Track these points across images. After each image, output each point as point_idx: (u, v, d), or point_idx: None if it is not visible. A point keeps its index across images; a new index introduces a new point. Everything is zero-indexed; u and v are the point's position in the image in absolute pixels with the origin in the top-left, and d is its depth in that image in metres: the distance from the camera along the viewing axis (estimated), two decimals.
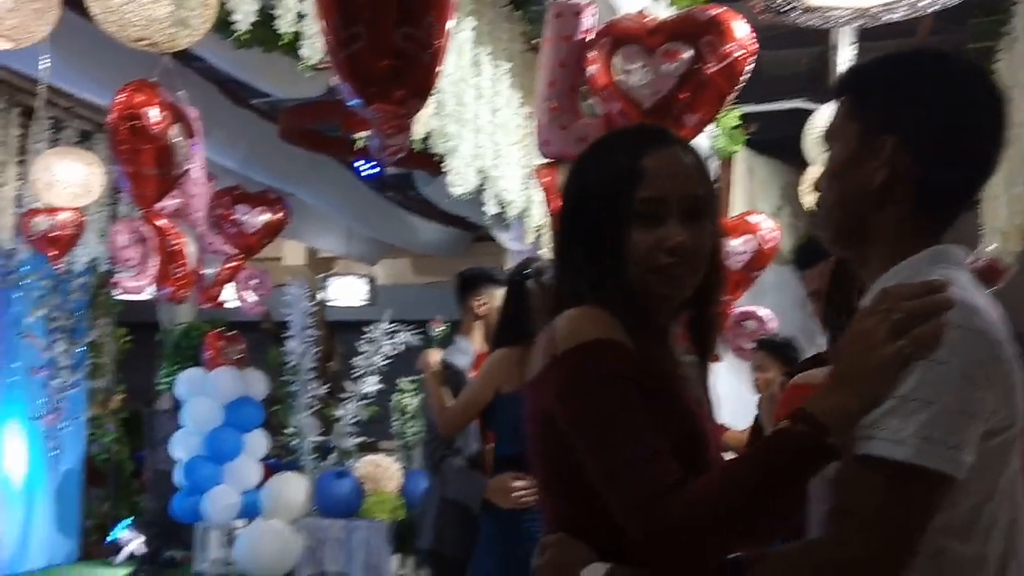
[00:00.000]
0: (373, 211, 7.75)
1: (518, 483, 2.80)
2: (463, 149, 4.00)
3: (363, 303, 8.63)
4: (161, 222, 4.11)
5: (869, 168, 1.17)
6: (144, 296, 7.94)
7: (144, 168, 3.96)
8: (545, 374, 1.25)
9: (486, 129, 4.18)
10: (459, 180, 4.09)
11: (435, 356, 3.41)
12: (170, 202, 4.08)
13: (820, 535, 1.13)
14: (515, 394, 2.80)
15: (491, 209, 4.69)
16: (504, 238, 7.19)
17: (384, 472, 6.66)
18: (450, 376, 3.28)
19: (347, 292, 8.55)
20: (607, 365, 1.20)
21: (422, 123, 3.69)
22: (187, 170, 3.99)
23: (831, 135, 1.24)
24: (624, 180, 1.26)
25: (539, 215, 5.14)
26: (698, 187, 1.29)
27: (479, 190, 4.48)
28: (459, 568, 3.02)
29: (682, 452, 1.16)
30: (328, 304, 8.31)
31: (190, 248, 4.20)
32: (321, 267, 9.41)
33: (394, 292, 8.85)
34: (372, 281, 8.69)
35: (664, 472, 1.12)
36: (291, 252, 9.48)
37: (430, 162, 5.24)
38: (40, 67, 4.05)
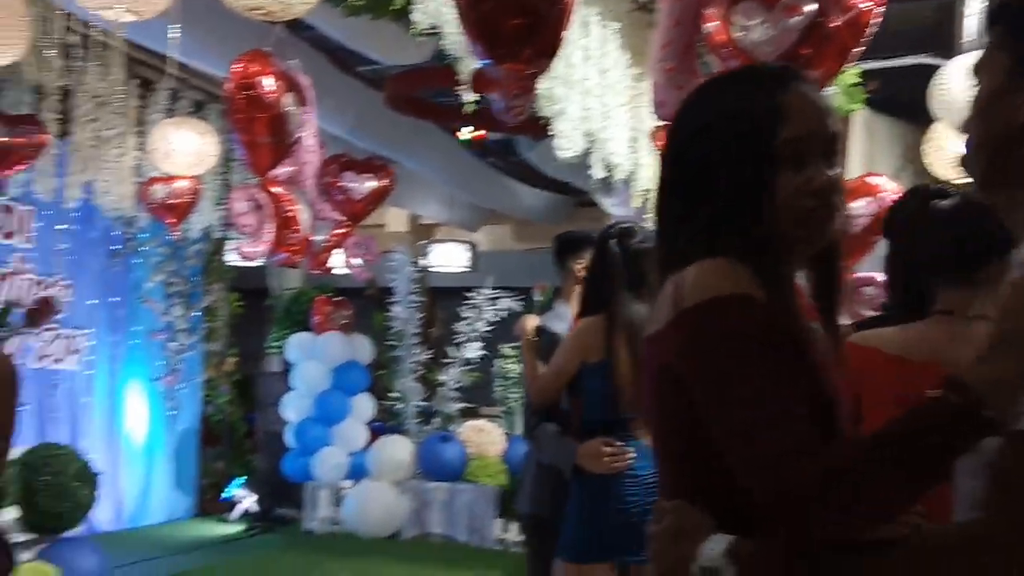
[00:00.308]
0: (475, 177, 7.76)
1: (608, 448, 2.82)
2: (571, 111, 3.95)
3: (464, 269, 8.68)
4: (276, 189, 4.18)
5: (1015, 102, 1.08)
6: (255, 262, 8.19)
7: (259, 137, 4.04)
8: (668, 330, 1.17)
9: (594, 91, 4.12)
10: (566, 143, 4.04)
11: (531, 323, 3.43)
12: (284, 169, 4.15)
13: (972, 516, 1.04)
14: (600, 363, 2.83)
15: (597, 173, 4.62)
16: (607, 203, 7.10)
17: (487, 437, 6.73)
18: (546, 342, 3.27)
19: (448, 258, 8.61)
20: (736, 321, 1.12)
21: None
22: (300, 138, 4.05)
23: (979, 68, 1.15)
24: (763, 120, 1.18)
25: (646, 179, 5.04)
26: (835, 125, 1.22)
27: (586, 153, 4.42)
28: (555, 531, 3.04)
29: (813, 414, 1.09)
30: (430, 270, 8.38)
31: (303, 214, 4.27)
32: (423, 234, 9.49)
33: (495, 258, 8.88)
34: (473, 247, 8.73)
35: (796, 433, 1.05)
36: (394, 219, 9.59)
37: (533, 126, 5.20)
38: (169, 38, 4.15)
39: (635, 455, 2.82)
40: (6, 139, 5.08)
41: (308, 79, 4.18)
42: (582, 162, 5.12)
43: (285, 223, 4.13)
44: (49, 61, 5.52)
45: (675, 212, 1.25)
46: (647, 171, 5.08)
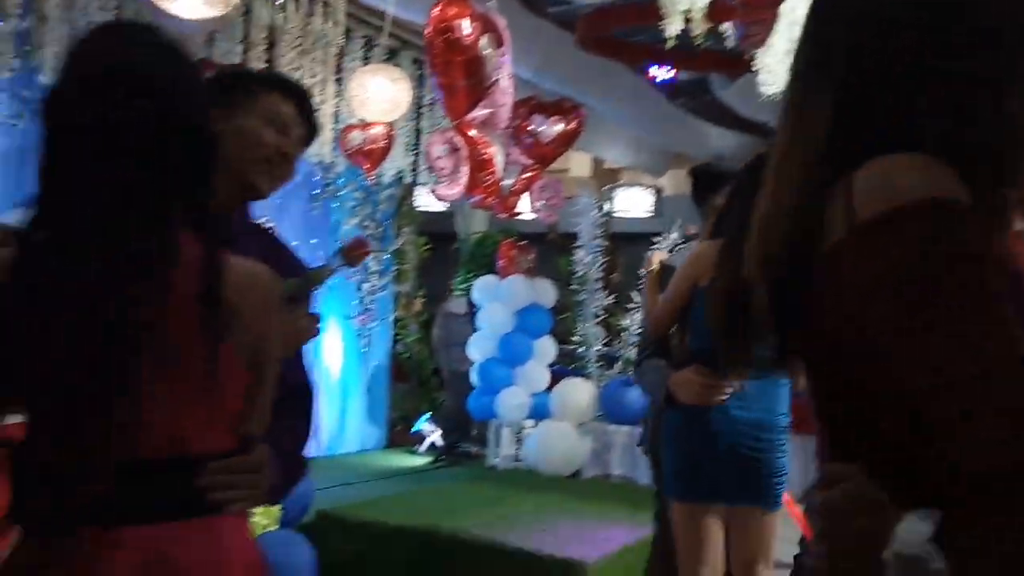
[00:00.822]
0: (664, 118, 7.60)
1: (700, 378, 2.64)
2: (777, 45, 3.76)
3: (647, 214, 8.57)
4: (472, 132, 4.24)
5: None
6: (443, 207, 8.39)
7: (457, 80, 4.11)
8: (842, 248, 0.89)
9: (801, 23, 3.92)
10: (770, 79, 3.86)
11: (656, 257, 3.34)
12: (479, 112, 4.20)
13: None
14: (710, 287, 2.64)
15: None
16: None
17: None
18: (667, 277, 3.14)
19: (632, 203, 8.52)
20: (943, 236, 0.84)
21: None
22: (495, 80, 4.08)
23: None
24: None
25: None
26: None
27: None
28: None
29: None
30: (613, 215, 8.32)
31: (497, 157, 4.31)
32: (606, 178, 9.43)
33: (680, 203, 8.70)
34: (658, 192, 8.59)
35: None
36: (577, 163, 9.58)
37: (731, 63, 5.01)
38: None
39: (731, 390, 2.64)
40: None
41: (503, 20, 4.19)
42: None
43: (480, 166, 4.19)
44: (259, 11, 5.82)
45: (848, 92, 0.95)
46: None
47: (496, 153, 4.36)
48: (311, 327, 1.72)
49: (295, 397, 1.60)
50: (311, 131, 1.76)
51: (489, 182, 4.25)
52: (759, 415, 2.72)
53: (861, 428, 0.93)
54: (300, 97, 1.75)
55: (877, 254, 0.86)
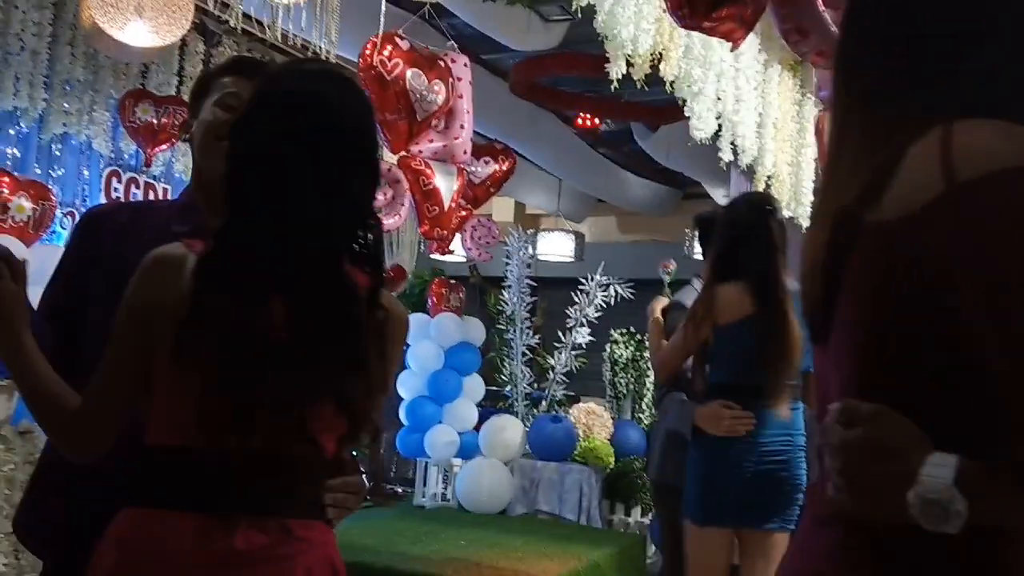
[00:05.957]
0: (586, 166, 7.85)
1: (727, 411, 2.84)
2: (707, 91, 4.01)
3: (568, 259, 8.77)
4: (415, 164, 4.32)
5: None
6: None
7: (388, 114, 4.16)
8: (934, 210, 0.91)
9: (727, 73, 4.18)
10: (700, 124, 4.10)
11: (659, 303, 3.53)
12: (431, 146, 4.29)
13: None
14: (732, 325, 2.86)
15: (726, 155, 4.68)
16: (719, 194, 7.12)
17: (597, 420, 6.82)
18: (678, 317, 3.31)
19: (555, 248, 8.72)
20: None
21: (672, 65, 3.73)
22: (434, 114, 4.16)
23: None
24: None
25: (770, 163, 5.09)
26: None
27: (715, 136, 4.49)
28: (680, 496, 3.11)
29: None
30: (538, 258, 8.49)
31: (445, 190, 4.38)
32: (528, 223, 9.63)
33: (600, 250, 8.96)
34: (579, 238, 8.82)
35: None
36: (499, 208, 9.75)
37: (651, 113, 5.25)
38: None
39: (756, 422, 2.82)
40: (153, 119, 5.38)
41: (461, 56, 4.29)
42: (700, 151, 5.16)
43: (426, 197, 4.27)
44: (194, 44, 5.84)
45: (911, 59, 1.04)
46: (771, 157, 5.11)
47: (445, 186, 4.43)
48: None
49: None
50: None
51: (436, 213, 4.33)
52: (782, 438, 2.88)
53: (906, 366, 0.94)
54: (251, 69, 1.69)
55: (977, 213, 0.88)
